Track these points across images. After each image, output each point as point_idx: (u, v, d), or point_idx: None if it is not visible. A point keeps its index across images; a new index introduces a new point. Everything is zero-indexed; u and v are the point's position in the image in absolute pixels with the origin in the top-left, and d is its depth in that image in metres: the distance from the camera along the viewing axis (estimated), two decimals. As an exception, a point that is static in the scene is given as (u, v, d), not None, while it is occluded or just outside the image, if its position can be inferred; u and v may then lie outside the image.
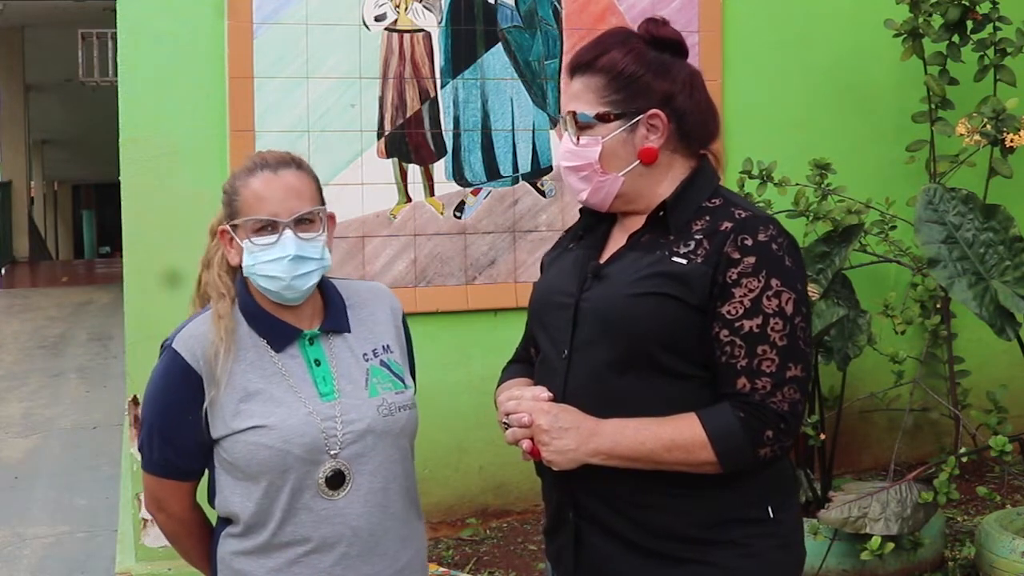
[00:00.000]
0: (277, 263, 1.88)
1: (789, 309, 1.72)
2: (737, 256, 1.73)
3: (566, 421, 1.75)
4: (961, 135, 4.23)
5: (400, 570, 1.98)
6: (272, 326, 1.94)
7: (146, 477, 1.98)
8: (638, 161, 1.83)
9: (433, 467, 4.34)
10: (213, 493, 1.97)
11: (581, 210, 1.96)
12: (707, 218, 1.79)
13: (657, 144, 1.82)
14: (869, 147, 4.81)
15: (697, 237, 1.77)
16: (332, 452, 1.89)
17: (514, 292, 4.43)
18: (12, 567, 4.51)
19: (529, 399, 1.80)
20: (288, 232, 1.88)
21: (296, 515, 1.89)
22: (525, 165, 4.48)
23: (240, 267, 1.96)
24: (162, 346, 1.95)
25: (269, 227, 1.89)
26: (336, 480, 1.89)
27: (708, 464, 1.71)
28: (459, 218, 4.42)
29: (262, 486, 1.88)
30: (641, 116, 1.81)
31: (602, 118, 1.82)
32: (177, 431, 1.91)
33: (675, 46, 1.86)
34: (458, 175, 4.41)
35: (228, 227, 1.93)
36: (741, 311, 1.72)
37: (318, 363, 1.94)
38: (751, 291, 1.72)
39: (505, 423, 1.82)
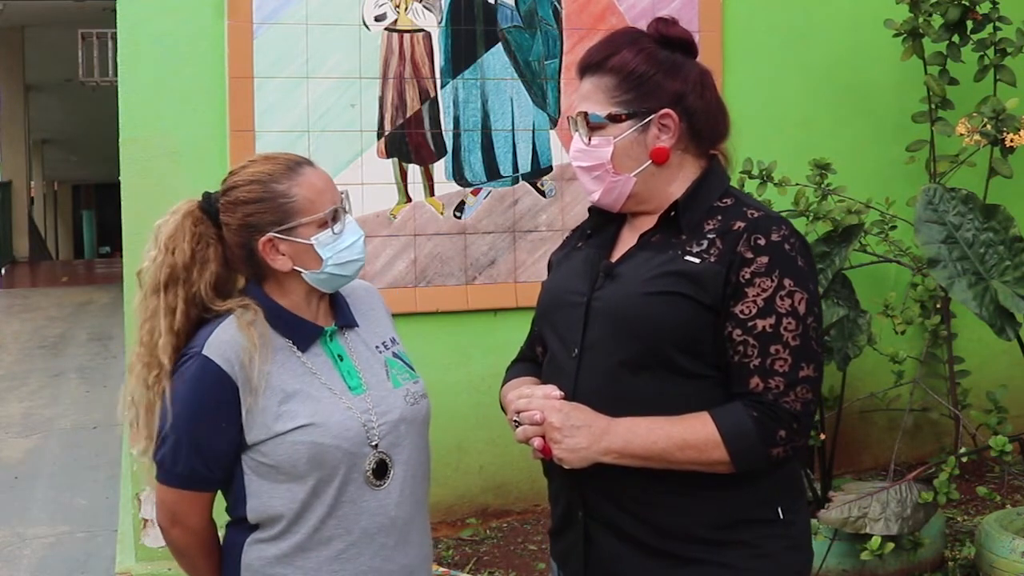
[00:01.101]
0: (354, 247, 1.92)
1: (802, 309, 1.73)
2: (750, 256, 1.73)
3: (578, 419, 1.74)
4: (961, 135, 4.23)
5: (424, 559, 2.01)
6: (296, 326, 1.93)
7: (165, 491, 1.91)
8: (650, 161, 1.83)
9: (433, 467, 4.32)
10: (241, 501, 1.92)
11: (590, 209, 1.96)
12: (719, 218, 1.79)
13: (669, 144, 1.82)
14: (869, 147, 4.81)
15: (710, 237, 1.77)
16: (373, 443, 1.90)
17: (514, 292, 4.43)
18: (12, 567, 4.51)
19: (540, 397, 1.79)
20: (349, 216, 1.93)
21: (340, 508, 1.89)
22: (525, 165, 4.48)
23: (247, 278, 1.95)
24: (184, 355, 1.89)
25: (333, 217, 1.90)
26: (381, 470, 1.91)
27: (721, 464, 1.71)
28: (459, 218, 4.42)
29: (308, 484, 1.86)
30: (653, 116, 1.81)
31: (613, 118, 1.82)
32: (209, 440, 1.86)
33: (685, 45, 1.87)
34: (458, 175, 4.41)
35: (275, 234, 1.88)
36: (754, 310, 1.72)
37: (341, 358, 1.95)
38: (764, 291, 1.72)
39: (516, 421, 1.81)
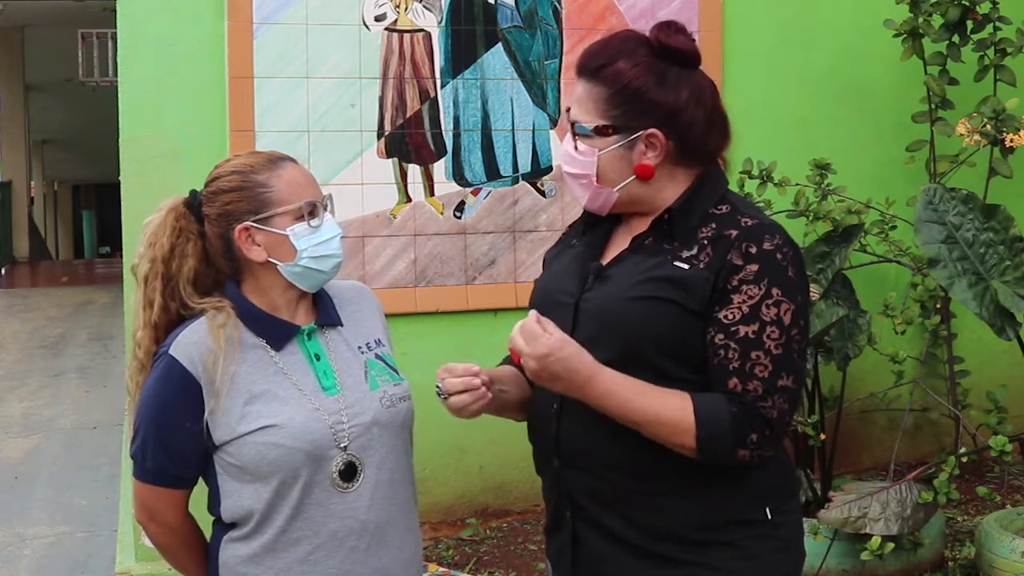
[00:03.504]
0: (330, 243, 1.92)
1: (787, 320, 1.71)
2: (740, 263, 1.72)
3: (561, 369, 1.69)
4: (961, 135, 4.23)
5: (406, 562, 1.99)
6: (270, 325, 1.93)
7: (138, 486, 1.95)
8: (634, 176, 1.81)
9: (433, 467, 4.34)
10: (216, 500, 1.94)
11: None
12: (713, 225, 1.78)
13: (654, 162, 1.79)
14: (869, 147, 4.81)
15: (702, 243, 1.76)
16: (342, 445, 1.89)
17: (514, 292, 4.43)
18: (12, 567, 4.51)
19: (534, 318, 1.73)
20: (328, 213, 1.93)
21: (306, 510, 1.88)
22: (525, 165, 4.48)
23: (225, 274, 1.95)
24: (156, 354, 1.92)
25: (310, 212, 1.90)
26: (349, 472, 1.90)
27: (684, 448, 1.70)
28: (459, 218, 4.42)
29: (272, 486, 1.87)
30: (640, 133, 1.78)
31: (600, 131, 1.80)
32: (174, 438, 1.88)
33: (685, 56, 1.81)
34: (458, 175, 4.41)
35: (251, 223, 1.90)
36: (738, 316, 1.71)
37: (318, 357, 1.94)
38: (751, 298, 1.71)
39: (439, 391, 1.82)
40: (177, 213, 1.96)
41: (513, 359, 1.76)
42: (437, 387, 1.83)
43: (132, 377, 1.96)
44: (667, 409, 1.70)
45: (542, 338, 1.69)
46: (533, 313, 1.74)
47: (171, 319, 1.94)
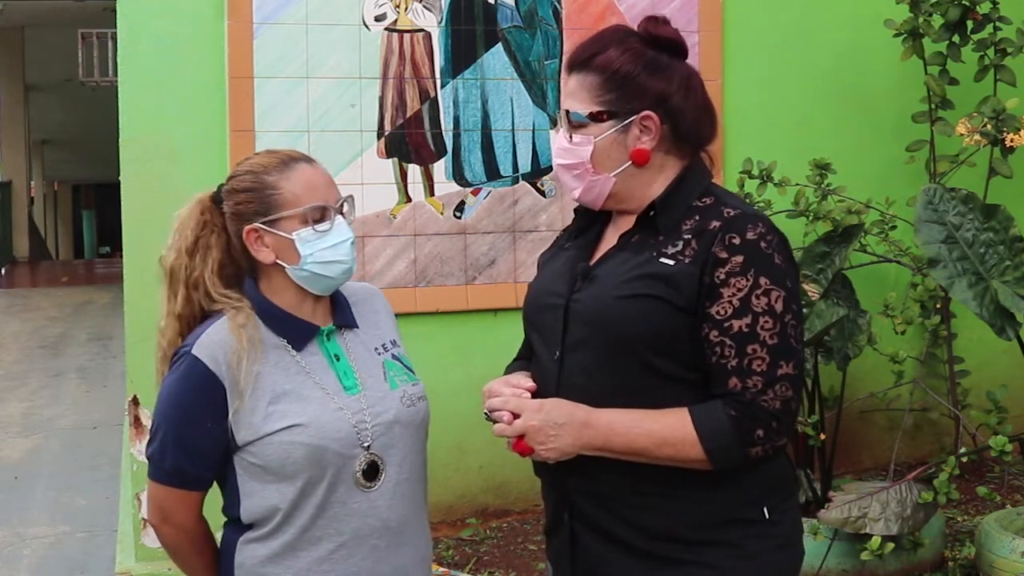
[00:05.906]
0: (338, 248, 1.89)
1: (779, 307, 1.71)
2: (725, 255, 1.72)
3: (559, 416, 1.75)
4: (961, 135, 4.23)
5: (422, 560, 2.00)
6: (291, 325, 1.93)
7: (154, 487, 1.94)
8: (630, 162, 1.82)
9: (433, 467, 4.29)
10: (235, 501, 1.92)
11: (576, 210, 1.96)
12: (696, 217, 1.78)
13: (649, 146, 1.81)
14: (869, 147, 4.81)
15: (686, 237, 1.76)
16: (365, 444, 1.89)
17: (514, 292, 4.43)
18: (12, 567, 4.51)
19: (510, 395, 1.81)
20: (340, 217, 1.91)
21: (330, 509, 1.88)
22: (525, 165, 4.48)
23: (244, 270, 1.95)
24: (176, 354, 1.91)
25: (318, 216, 1.89)
26: (371, 472, 1.90)
27: (698, 461, 1.72)
28: (459, 218, 4.42)
29: (297, 485, 1.86)
30: (634, 117, 1.80)
31: (595, 117, 1.81)
32: (195, 439, 1.87)
33: (674, 46, 1.85)
34: (458, 175, 4.41)
35: (260, 225, 1.89)
36: (730, 311, 1.71)
37: (338, 358, 1.95)
38: (739, 290, 1.71)
39: (488, 416, 1.83)
40: (203, 206, 1.97)
41: (519, 449, 1.78)
42: (486, 413, 1.84)
43: (158, 368, 1.96)
44: (670, 429, 1.71)
45: (527, 400, 1.78)
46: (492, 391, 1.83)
47: (194, 311, 1.94)
